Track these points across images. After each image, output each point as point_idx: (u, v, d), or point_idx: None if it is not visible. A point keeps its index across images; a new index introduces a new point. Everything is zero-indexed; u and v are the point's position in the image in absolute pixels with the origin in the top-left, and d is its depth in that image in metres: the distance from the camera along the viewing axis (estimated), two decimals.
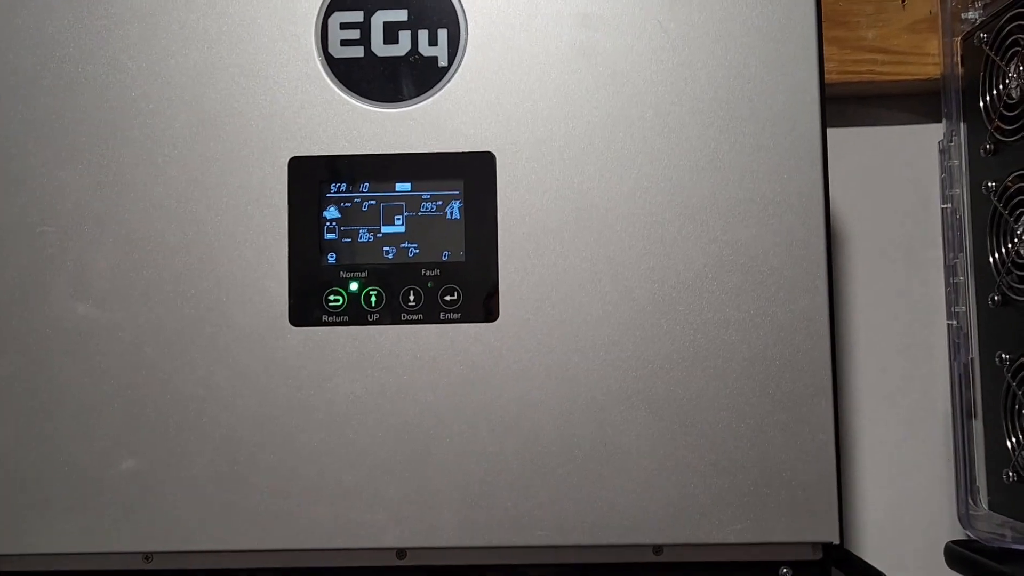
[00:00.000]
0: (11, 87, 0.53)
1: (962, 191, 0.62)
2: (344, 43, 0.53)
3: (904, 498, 0.71)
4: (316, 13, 0.53)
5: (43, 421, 0.51)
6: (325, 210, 0.52)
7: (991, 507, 0.60)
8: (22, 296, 0.52)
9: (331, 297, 0.52)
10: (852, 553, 0.53)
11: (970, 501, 0.61)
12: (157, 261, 0.52)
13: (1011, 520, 0.58)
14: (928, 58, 0.69)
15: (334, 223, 0.52)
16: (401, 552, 0.52)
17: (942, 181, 0.63)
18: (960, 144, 0.63)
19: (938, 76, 0.66)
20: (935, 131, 0.67)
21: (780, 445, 0.51)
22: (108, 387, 0.51)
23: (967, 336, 0.61)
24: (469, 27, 0.53)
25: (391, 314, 0.52)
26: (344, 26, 0.53)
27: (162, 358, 0.51)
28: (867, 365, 0.72)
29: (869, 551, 0.70)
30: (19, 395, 0.52)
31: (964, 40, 0.63)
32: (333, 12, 0.53)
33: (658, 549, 0.52)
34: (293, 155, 0.52)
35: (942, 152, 0.63)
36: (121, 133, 0.53)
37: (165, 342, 0.52)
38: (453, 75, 0.52)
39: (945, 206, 0.62)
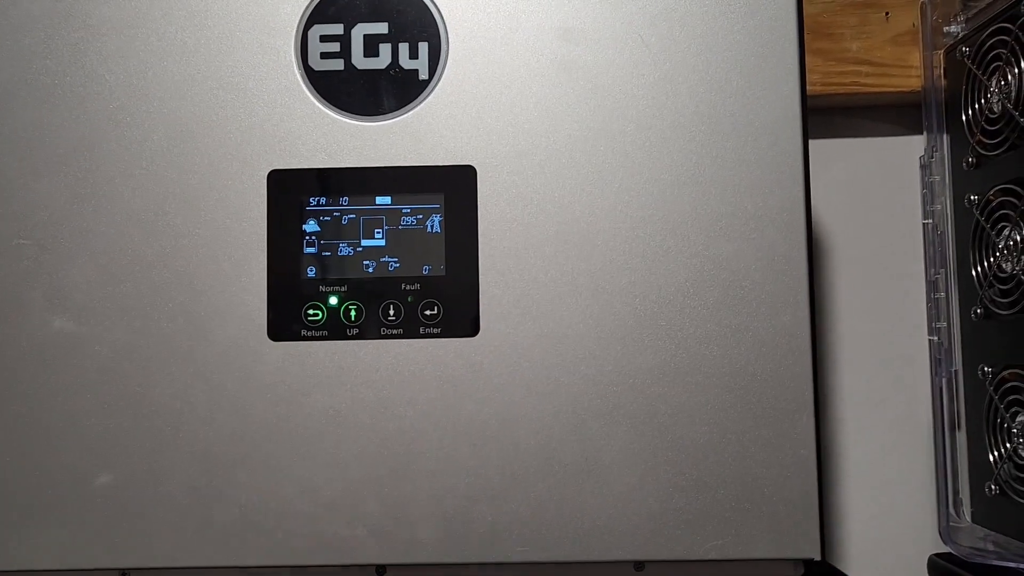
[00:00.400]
0: None
1: (944, 205, 0.62)
2: (324, 55, 0.52)
3: (887, 511, 0.71)
4: (296, 25, 0.52)
5: (16, 436, 0.51)
6: (305, 223, 0.52)
7: (974, 519, 0.60)
8: None
9: (310, 311, 0.51)
10: (835, 568, 0.53)
11: (952, 513, 0.61)
12: (134, 274, 0.51)
13: (993, 533, 0.58)
14: (911, 70, 0.69)
15: (314, 237, 0.52)
16: (381, 568, 0.52)
17: (923, 197, 0.63)
18: (943, 157, 0.63)
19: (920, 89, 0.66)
20: (919, 143, 0.67)
21: (761, 460, 0.51)
22: (84, 401, 0.51)
23: (948, 351, 0.61)
24: (450, 40, 0.52)
25: (371, 328, 0.51)
26: (324, 39, 0.52)
27: (139, 372, 0.51)
28: (850, 377, 0.72)
29: (852, 565, 0.70)
30: None
31: (947, 53, 0.63)
32: (313, 24, 0.52)
33: (639, 565, 0.52)
34: (273, 168, 0.52)
35: (923, 167, 0.63)
36: (99, 145, 0.52)
37: (142, 356, 0.51)
38: (434, 88, 0.52)
39: (926, 221, 0.62)
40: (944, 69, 0.64)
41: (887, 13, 0.70)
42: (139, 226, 0.52)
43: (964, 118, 0.61)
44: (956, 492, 0.61)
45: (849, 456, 0.72)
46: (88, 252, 0.52)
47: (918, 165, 0.64)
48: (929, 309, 0.62)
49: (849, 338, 0.73)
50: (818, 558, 0.51)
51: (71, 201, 0.52)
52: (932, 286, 0.62)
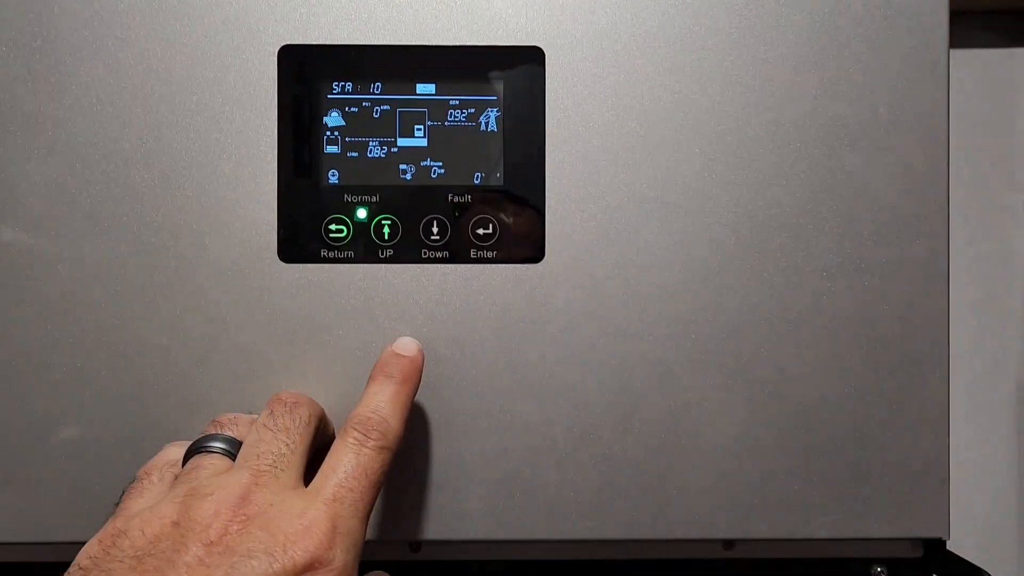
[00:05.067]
0: None
1: None
2: None
3: (995, 485, 0.63)
4: None
5: None
6: (326, 115, 0.41)
7: None
8: None
9: (332, 227, 0.41)
10: (949, 550, 0.44)
11: None
12: (107, 174, 0.40)
13: None
14: None
15: (336, 132, 0.41)
16: (415, 545, 0.42)
17: None
18: None
19: None
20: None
21: (882, 422, 0.42)
22: (42, 333, 0.40)
23: None
24: None
25: (409, 250, 0.41)
26: None
27: (114, 300, 0.40)
28: (955, 336, 0.63)
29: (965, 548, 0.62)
30: None
31: None
32: None
33: (728, 544, 0.43)
34: (285, 43, 0.41)
35: None
36: (59, 5, 0.40)
37: (118, 279, 0.40)
38: None
39: None
40: None
41: None
42: (112, 111, 0.40)
43: None
44: None
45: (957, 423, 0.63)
46: (46, 144, 0.40)
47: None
48: None
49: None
50: (947, 538, 0.42)
51: (24, 79, 0.40)
52: None
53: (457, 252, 0.41)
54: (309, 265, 0.41)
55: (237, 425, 0.36)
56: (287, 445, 0.34)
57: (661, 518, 0.41)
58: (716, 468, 0.41)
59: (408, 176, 0.41)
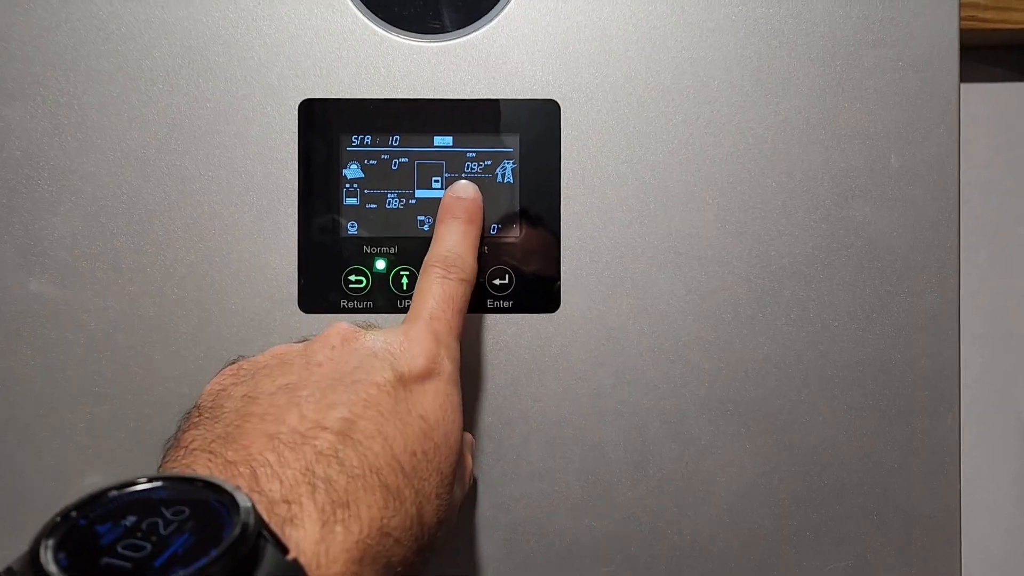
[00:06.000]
0: None
1: None
2: None
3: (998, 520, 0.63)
4: None
5: None
6: (345, 168, 0.42)
7: None
8: None
9: (352, 277, 0.42)
10: None
11: None
12: (131, 227, 0.41)
13: None
14: None
15: (356, 185, 0.42)
16: None
17: None
18: None
19: None
20: None
21: (895, 468, 0.42)
22: (68, 384, 0.41)
23: None
24: None
25: None
26: None
27: (138, 350, 0.41)
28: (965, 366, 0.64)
29: None
30: None
31: None
32: None
33: None
34: (305, 97, 0.42)
35: None
36: (85, 63, 0.41)
37: (141, 330, 0.41)
38: (509, 1, 0.42)
39: None
40: None
41: None
42: (137, 166, 0.41)
43: None
44: None
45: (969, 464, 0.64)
46: (72, 198, 0.41)
47: None
48: None
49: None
50: None
51: (50, 133, 0.41)
52: None
53: (474, 302, 0.41)
54: (329, 315, 0.41)
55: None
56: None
57: (675, 564, 0.42)
58: (730, 515, 0.42)
59: (426, 227, 0.42)
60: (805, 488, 0.42)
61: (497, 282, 0.42)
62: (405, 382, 0.32)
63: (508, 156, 0.42)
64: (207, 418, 0.31)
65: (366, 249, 0.42)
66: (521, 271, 0.42)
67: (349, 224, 0.42)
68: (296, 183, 0.41)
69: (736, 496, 0.42)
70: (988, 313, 0.64)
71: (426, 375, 0.33)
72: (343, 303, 0.41)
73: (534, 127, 0.42)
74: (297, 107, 0.42)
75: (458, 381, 0.35)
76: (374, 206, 0.42)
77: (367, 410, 0.31)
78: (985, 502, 0.63)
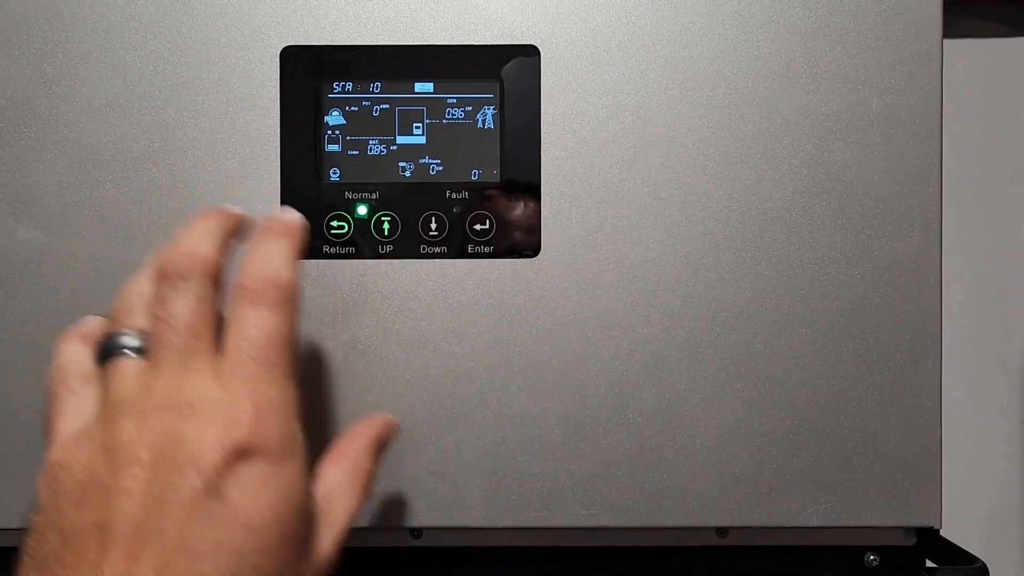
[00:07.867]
0: None
1: None
2: None
3: (985, 473, 0.64)
4: None
5: None
6: (327, 114, 0.42)
7: None
8: None
9: (333, 223, 0.42)
10: (943, 537, 0.45)
11: None
12: (116, 174, 0.42)
13: None
14: None
15: (337, 131, 0.42)
16: (416, 532, 0.43)
17: None
18: None
19: None
20: None
21: (875, 412, 0.42)
22: (56, 329, 0.42)
23: None
24: None
25: (408, 245, 0.42)
26: None
27: None
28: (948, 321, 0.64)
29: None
30: None
31: None
32: None
33: (722, 532, 0.44)
34: (287, 44, 0.42)
35: None
36: (68, 11, 0.42)
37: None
38: None
39: None
40: None
41: None
42: (120, 112, 0.42)
43: None
44: None
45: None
46: (57, 144, 0.42)
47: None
48: None
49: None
50: (938, 527, 0.43)
51: (37, 82, 0.42)
52: None
53: (455, 247, 0.42)
54: (311, 261, 0.42)
55: (132, 313, 0.35)
56: (187, 329, 0.33)
57: (655, 506, 0.42)
58: (709, 458, 0.42)
59: (407, 173, 0.42)
60: (785, 432, 0.42)
61: (478, 227, 0.42)
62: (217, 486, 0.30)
63: (489, 102, 0.42)
64: (38, 529, 0.31)
65: (348, 195, 0.42)
66: (502, 216, 0.42)
67: (331, 170, 0.42)
68: (278, 130, 0.42)
69: (716, 440, 0.42)
70: (983, 272, 0.64)
71: (239, 457, 0.31)
72: (325, 248, 0.42)
73: (514, 73, 0.42)
74: (279, 54, 0.42)
75: (298, 446, 0.33)
76: (356, 152, 0.42)
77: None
78: (978, 460, 0.64)
